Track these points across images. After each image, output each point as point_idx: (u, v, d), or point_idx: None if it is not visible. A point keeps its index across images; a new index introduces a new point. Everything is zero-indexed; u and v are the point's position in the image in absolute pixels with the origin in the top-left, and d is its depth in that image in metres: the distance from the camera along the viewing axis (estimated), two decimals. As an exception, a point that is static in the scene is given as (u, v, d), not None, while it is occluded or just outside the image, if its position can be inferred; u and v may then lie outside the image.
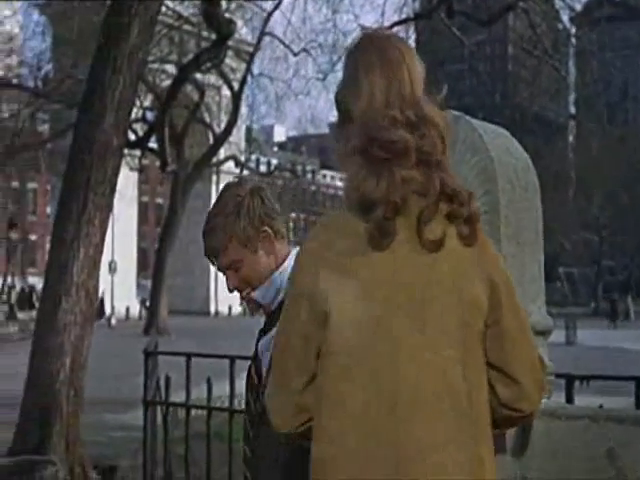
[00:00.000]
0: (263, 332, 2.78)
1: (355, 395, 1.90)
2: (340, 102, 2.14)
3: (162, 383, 6.58)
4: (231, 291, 2.81)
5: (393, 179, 1.93)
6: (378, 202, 1.92)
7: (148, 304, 48.31)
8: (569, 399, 4.07)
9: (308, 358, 1.96)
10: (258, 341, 2.81)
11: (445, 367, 1.94)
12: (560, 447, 2.61)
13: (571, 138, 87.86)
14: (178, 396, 6.52)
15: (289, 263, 2.71)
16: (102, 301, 48.37)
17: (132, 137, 28.93)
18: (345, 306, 1.91)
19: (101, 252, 9.38)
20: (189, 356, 6.24)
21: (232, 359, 5.81)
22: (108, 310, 43.82)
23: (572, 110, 73.93)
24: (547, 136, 76.92)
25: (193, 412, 6.33)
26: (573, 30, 31.92)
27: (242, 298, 2.82)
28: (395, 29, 21.47)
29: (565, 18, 31.20)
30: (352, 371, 1.91)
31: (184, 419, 6.29)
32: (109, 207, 9.37)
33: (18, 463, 4.88)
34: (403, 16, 22.87)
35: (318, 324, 1.93)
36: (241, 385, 3.19)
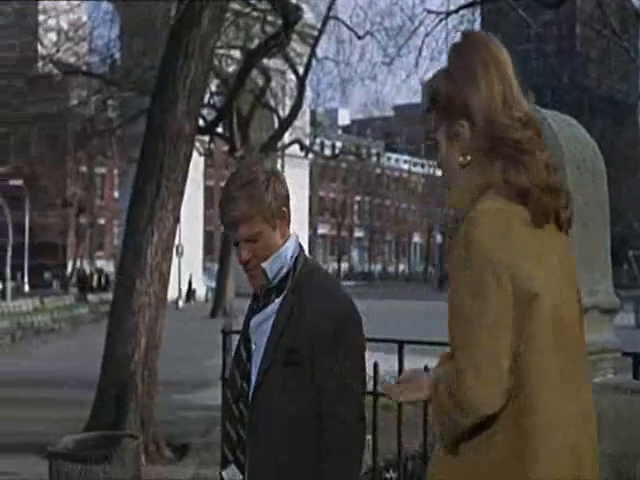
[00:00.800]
0: (257, 309, 2.85)
1: (555, 365, 2.08)
2: (453, 96, 2.22)
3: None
4: (242, 263, 2.82)
5: (533, 169, 2.13)
6: (531, 187, 2.11)
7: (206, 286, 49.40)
8: (635, 376, 4.16)
9: (514, 337, 2.06)
10: (249, 318, 2.88)
11: (585, 339, 2.22)
12: (625, 418, 2.71)
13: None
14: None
15: (290, 245, 2.84)
16: (190, 284, 49.53)
17: (200, 122, 29.19)
18: (546, 285, 2.08)
19: (174, 236, 9.61)
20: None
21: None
22: (176, 293, 44.36)
23: (642, 90, 72.42)
24: (616, 117, 75.46)
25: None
26: (643, 9, 31.29)
27: (248, 271, 2.83)
28: (461, 12, 21.29)
29: (634, -3, 30.61)
30: (552, 344, 2.08)
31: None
32: (181, 192, 9.57)
33: (100, 437, 5.08)
34: (469, -1, 22.60)
35: (521, 303, 2.05)
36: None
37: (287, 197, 2.87)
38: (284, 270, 2.81)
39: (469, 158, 2.20)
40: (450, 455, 2.15)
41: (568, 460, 2.05)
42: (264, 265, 2.79)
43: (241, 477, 2.77)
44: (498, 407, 2.04)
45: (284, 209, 2.84)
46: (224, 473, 2.81)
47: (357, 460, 2.69)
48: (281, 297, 2.79)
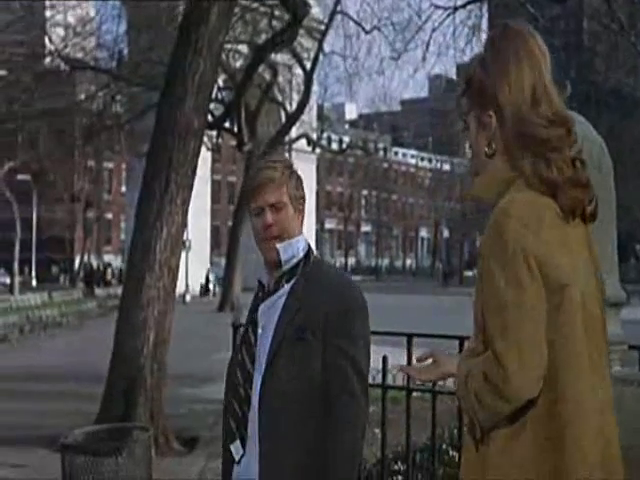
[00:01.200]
0: (265, 295, 2.96)
1: (586, 353, 2.14)
2: (485, 85, 2.26)
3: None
4: (268, 227, 2.90)
5: (560, 165, 2.18)
6: (561, 182, 2.16)
7: (209, 279, 49.55)
8: (642, 368, 4.18)
9: (546, 323, 2.10)
10: (257, 304, 2.98)
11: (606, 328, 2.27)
12: (632, 410, 2.75)
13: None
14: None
15: (302, 240, 2.96)
16: (207, 278, 49.64)
17: (208, 117, 29.19)
18: (575, 275, 2.13)
19: (183, 230, 9.64)
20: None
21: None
22: (183, 287, 44.45)
23: (649, 85, 72.05)
24: (624, 111, 75.20)
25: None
26: (650, 3, 31.18)
27: (267, 241, 2.92)
28: (469, 7, 21.31)
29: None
30: (583, 334, 2.13)
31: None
32: (190, 187, 9.61)
33: (111, 429, 5.13)
34: (476, -7, 22.58)
35: (551, 293, 2.10)
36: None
37: (304, 197, 3.00)
38: (294, 260, 2.92)
39: (494, 147, 2.24)
40: (480, 445, 2.18)
41: (599, 443, 2.11)
42: (278, 246, 2.89)
43: (242, 452, 2.90)
44: (537, 392, 2.07)
45: (302, 202, 2.98)
46: (232, 447, 2.94)
47: (362, 429, 2.86)
48: (292, 282, 2.90)
